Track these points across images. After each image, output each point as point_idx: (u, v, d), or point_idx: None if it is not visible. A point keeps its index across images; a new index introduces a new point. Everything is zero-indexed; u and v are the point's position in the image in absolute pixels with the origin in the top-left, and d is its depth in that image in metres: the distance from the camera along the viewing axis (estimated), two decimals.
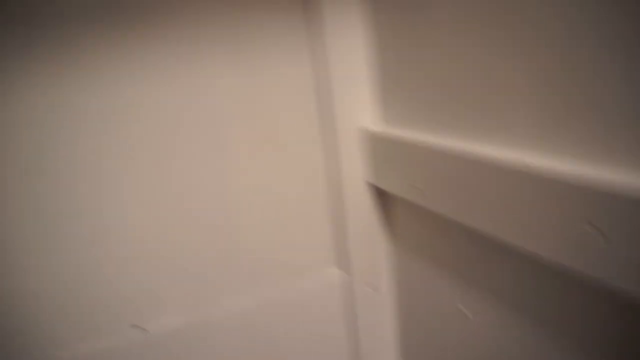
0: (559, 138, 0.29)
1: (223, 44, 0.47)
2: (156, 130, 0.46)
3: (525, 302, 0.36)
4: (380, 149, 0.48)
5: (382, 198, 0.54)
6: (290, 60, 0.50)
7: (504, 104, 0.33)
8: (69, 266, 0.46)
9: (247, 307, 0.53)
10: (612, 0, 0.24)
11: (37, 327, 0.46)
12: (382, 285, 0.57)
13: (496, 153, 0.33)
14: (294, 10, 0.49)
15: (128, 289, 0.48)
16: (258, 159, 0.51)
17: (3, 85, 0.41)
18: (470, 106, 0.36)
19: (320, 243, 0.56)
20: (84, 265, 0.46)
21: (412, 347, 0.57)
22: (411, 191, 0.43)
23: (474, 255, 0.41)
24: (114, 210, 0.46)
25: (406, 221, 0.52)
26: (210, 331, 0.52)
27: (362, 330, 0.57)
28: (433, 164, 0.39)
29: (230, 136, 0.49)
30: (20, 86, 0.41)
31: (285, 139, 0.52)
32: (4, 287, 0.44)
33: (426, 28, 0.39)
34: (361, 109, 0.51)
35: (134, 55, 0.44)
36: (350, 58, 0.49)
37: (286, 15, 0.49)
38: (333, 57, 0.49)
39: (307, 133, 0.53)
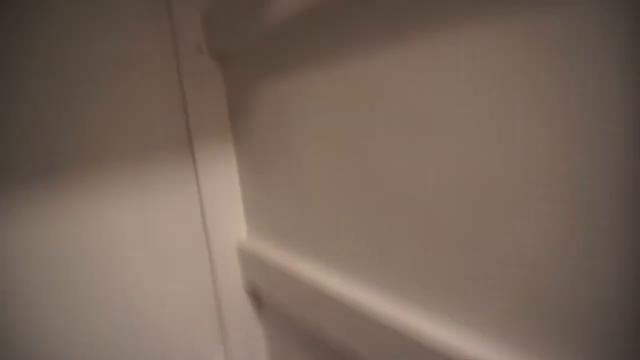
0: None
1: (127, 190, 0.58)
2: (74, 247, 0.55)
3: None
4: (248, 257, 0.61)
5: (257, 296, 0.67)
6: (180, 193, 0.62)
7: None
8: None
9: None
10: None
11: None
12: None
13: (310, 272, 0.44)
14: (183, 155, 0.62)
15: None
16: (159, 274, 0.62)
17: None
18: (294, 230, 0.47)
19: (208, 333, 0.66)
20: None
21: None
22: (267, 291, 0.57)
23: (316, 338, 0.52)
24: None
25: (274, 313, 0.64)
26: None
27: None
28: (274, 272, 0.52)
29: (135, 257, 0.60)
30: None
31: (179, 257, 0.63)
32: None
33: (268, 169, 0.52)
34: (235, 229, 0.64)
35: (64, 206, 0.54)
36: (222, 188, 0.63)
37: (176, 158, 0.62)
38: (208, 189, 0.62)
39: (196, 248, 0.64)
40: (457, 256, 0.29)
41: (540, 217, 0.23)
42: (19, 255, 0.53)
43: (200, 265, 0.65)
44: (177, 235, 0.63)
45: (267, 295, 0.64)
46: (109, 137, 0.57)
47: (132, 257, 0.60)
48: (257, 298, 0.67)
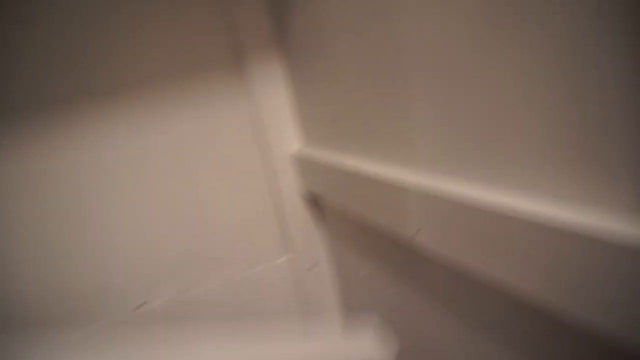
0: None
1: (182, 101, 0.62)
2: (143, 164, 0.62)
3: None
4: (305, 165, 0.65)
5: (315, 201, 0.71)
6: (233, 107, 0.65)
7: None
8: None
9: (218, 287, 0.69)
10: None
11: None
12: (321, 264, 0.74)
13: (377, 169, 0.45)
14: (230, 69, 0.64)
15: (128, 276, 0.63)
16: (220, 185, 0.67)
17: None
18: (360, 130, 0.49)
19: (270, 238, 0.72)
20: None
21: (350, 305, 0.74)
22: (329, 195, 0.59)
23: (373, 239, 0.55)
24: (118, 220, 0.61)
25: (333, 216, 0.68)
26: (193, 306, 0.67)
27: (307, 300, 0.74)
28: (334, 176, 0.55)
29: (198, 169, 0.65)
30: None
31: (236, 168, 0.68)
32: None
33: (326, 73, 0.53)
34: (289, 137, 0.67)
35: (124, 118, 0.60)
36: (274, 98, 0.65)
37: (225, 73, 0.64)
38: (260, 100, 0.65)
39: (251, 159, 0.68)
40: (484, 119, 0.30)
41: None
42: (103, 163, 0.60)
43: (257, 175, 0.69)
44: (233, 147, 0.66)
45: (325, 200, 0.67)
46: (164, 58, 0.60)
47: (195, 169, 0.65)
48: (315, 204, 0.71)
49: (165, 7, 0.60)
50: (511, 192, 0.30)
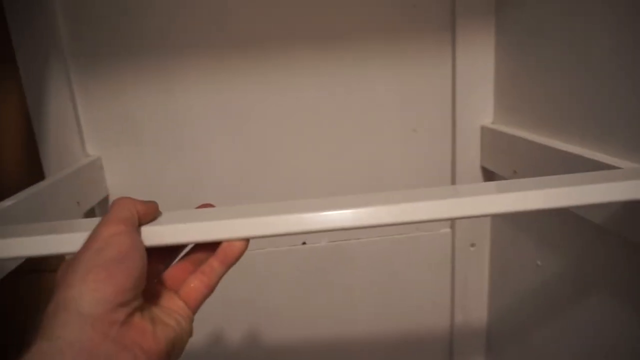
0: None
1: (385, 59, 0.64)
2: (332, 113, 0.66)
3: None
4: (494, 141, 0.62)
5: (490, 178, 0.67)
6: (435, 68, 0.64)
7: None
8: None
9: (378, 239, 0.71)
10: None
11: None
12: (483, 244, 0.72)
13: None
14: (442, 33, 0.63)
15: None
16: (402, 141, 0.68)
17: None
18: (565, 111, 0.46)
19: None
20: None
21: (499, 292, 0.71)
22: (512, 175, 0.57)
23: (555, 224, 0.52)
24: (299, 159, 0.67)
25: None
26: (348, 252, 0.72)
27: (459, 274, 0.73)
28: (529, 155, 0.52)
29: (388, 121, 0.67)
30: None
31: (423, 128, 0.67)
32: None
33: (544, 53, 0.50)
34: (483, 109, 0.65)
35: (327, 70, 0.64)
36: (477, 67, 0.63)
37: (435, 36, 0.63)
38: (463, 66, 0.63)
39: (440, 124, 0.67)
40: None
41: None
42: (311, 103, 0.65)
43: (443, 142, 0.68)
44: (426, 110, 0.66)
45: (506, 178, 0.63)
46: (374, 11, 0.62)
47: (385, 120, 0.66)
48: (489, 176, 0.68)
49: None
50: None
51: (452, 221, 0.71)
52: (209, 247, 0.32)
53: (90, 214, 0.61)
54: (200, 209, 0.35)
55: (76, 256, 0.27)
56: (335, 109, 0.65)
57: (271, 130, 0.65)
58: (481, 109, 0.64)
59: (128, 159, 0.64)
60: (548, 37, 0.50)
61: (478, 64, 0.63)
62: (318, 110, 0.65)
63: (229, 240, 0.31)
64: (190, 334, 0.30)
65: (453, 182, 0.69)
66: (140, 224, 0.30)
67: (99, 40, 0.59)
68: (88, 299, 0.24)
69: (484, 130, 0.65)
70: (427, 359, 0.80)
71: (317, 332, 0.76)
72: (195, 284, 0.31)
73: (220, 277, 0.32)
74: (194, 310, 0.31)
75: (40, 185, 0.49)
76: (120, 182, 0.65)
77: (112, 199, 0.65)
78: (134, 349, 0.25)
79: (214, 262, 0.32)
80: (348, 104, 0.65)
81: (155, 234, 0.30)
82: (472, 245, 0.71)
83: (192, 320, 0.31)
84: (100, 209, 0.64)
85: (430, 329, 0.77)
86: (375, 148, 0.67)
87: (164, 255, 0.33)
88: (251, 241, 0.32)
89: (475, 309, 0.75)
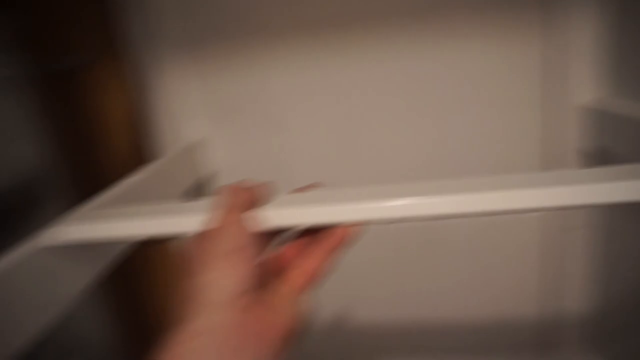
0: None
1: (469, 30, 0.61)
2: (417, 89, 0.66)
3: None
4: (601, 118, 0.57)
5: (599, 158, 0.62)
6: (523, 44, 0.61)
7: None
8: None
9: (474, 223, 0.70)
10: None
11: None
12: (584, 229, 0.67)
13: None
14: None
15: None
16: (486, 119, 0.65)
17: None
18: None
19: None
20: None
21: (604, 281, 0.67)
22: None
23: None
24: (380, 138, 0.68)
25: None
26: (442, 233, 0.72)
27: (552, 267, 0.70)
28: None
29: (469, 101, 0.65)
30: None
31: (507, 107, 0.64)
32: None
33: None
34: (584, 86, 0.60)
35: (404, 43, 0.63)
36: (579, 42, 0.58)
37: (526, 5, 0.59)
38: (557, 39, 0.59)
39: (528, 104, 0.64)
40: None
41: None
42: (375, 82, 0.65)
43: (533, 121, 0.64)
44: (514, 87, 0.63)
45: (618, 157, 0.58)
46: None
47: (466, 103, 0.64)
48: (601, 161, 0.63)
49: None
50: None
51: None
52: (319, 230, 0.32)
53: (199, 190, 0.67)
54: (311, 191, 0.34)
55: (198, 243, 0.29)
56: (425, 87, 0.65)
57: (360, 111, 0.67)
58: (581, 85, 0.60)
59: (231, 139, 0.69)
60: None
61: (577, 33, 0.58)
62: (408, 89, 0.65)
63: (345, 225, 0.31)
64: (304, 317, 0.30)
65: (545, 167, 0.66)
66: (253, 208, 0.31)
67: (201, 25, 0.64)
68: (215, 288, 0.26)
69: (584, 109, 0.60)
70: (517, 347, 0.78)
71: (406, 314, 0.77)
72: (306, 266, 0.31)
73: (332, 261, 0.32)
74: (306, 293, 0.31)
75: (158, 163, 0.55)
76: (224, 161, 0.70)
77: (217, 177, 0.71)
78: (256, 335, 0.26)
79: (325, 245, 0.31)
80: (437, 82, 0.64)
81: (269, 219, 0.31)
82: (571, 228, 0.67)
83: (306, 303, 0.30)
84: (208, 185, 0.70)
85: (520, 316, 0.75)
86: (453, 124, 0.66)
87: (271, 238, 0.33)
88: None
89: (573, 297, 0.71)
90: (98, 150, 0.72)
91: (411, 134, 0.67)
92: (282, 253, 0.33)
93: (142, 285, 0.78)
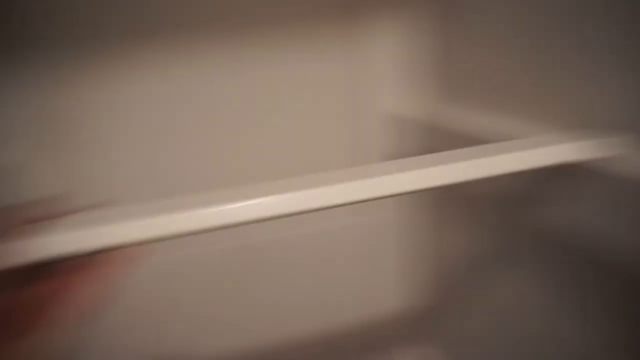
0: None
1: (286, 46, 0.61)
2: (228, 105, 0.62)
3: None
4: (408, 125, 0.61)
5: None
6: (330, 58, 0.62)
7: None
8: None
9: (312, 235, 0.69)
10: None
11: None
12: (413, 226, 0.71)
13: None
14: (338, 15, 0.60)
15: None
16: (304, 131, 0.65)
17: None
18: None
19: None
20: None
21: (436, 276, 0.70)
22: None
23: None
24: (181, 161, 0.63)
25: None
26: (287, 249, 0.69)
27: (403, 257, 0.73)
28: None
29: (290, 111, 0.64)
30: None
31: (320, 118, 0.65)
32: None
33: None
34: (391, 95, 0.63)
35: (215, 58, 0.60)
36: (384, 53, 0.61)
37: (330, 20, 0.60)
38: (366, 54, 0.61)
39: (339, 115, 0.65)
40: None
41: None
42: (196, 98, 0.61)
43: (345, 131, 0.66)
44: (325, 99, 0.64)
45: None
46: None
47: (280, 117, 0.63)
48: None
49: None
50: None
51: (385, 205, 0.70)
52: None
53: None
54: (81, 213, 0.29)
55: None
56: (249, 98, 0.62)
57: (185, 124, 0.62)
58: (388, 94, 0.63)
59: (50, 160, 0.59)
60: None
61: (383, 45, 0.60)
62: (227, 101, 0.62)
63: (113, 248, 0.26)
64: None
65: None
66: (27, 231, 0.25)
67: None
68: None
69: (390, 116, 0.64)
70: (370, 349, 0.80)
71: (259, 339, 0.74)
72: (82, 292, 0.27)
73: (112, 284, 0.28)
74: (83, 319, 0.27)
75: None
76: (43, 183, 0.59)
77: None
78: None
79: (103, 269, 0.27)
80: (257, 92, 0.62)
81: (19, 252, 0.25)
82: (404, 229, 0.71)
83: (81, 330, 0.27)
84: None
85: (372, 317, 0.77)
86: (282, 134, 0.65)
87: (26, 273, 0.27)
88: (167, 243, 0.27)
89: (416, 293, 0.75)
90: None
91: (233, 143, 0.64)
92: (55, 278, 0.27)
93: None
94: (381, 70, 0.63)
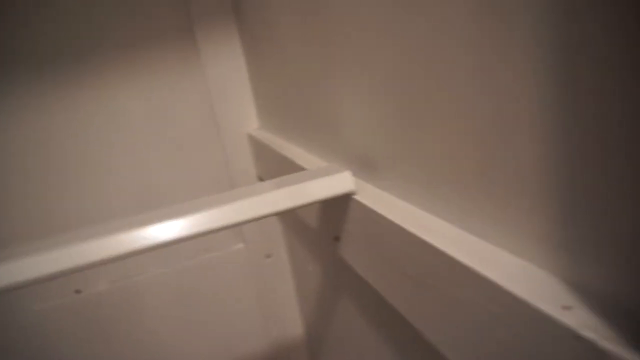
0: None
1: (134, 77, 0.59)
2: (91, 135, 0.59)
3: None
4: (257, 148, 0.61)
5: None
6: (186, 80, 0.61)
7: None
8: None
9: (174, 272, 0.66)
10: None
11: None
12: (278, 253, 0.71)
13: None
14: (185, 38, 0.60)
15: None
16: (172, 161, 0.63)
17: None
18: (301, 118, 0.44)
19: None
20: None
21: (307, 300, 0.70)
22: None
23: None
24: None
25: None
26: (139, 292, 0.65)
27: (264, 288, 0.72)
28: (276, 164, 0.51)
29: (148, 143, 0.62)
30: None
31: (189, 143, 0.63)
32: None
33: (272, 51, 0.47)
34: (247, 114, 0.63)
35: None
36: (229, 76, 0.61)
37: (179, 43, 0.60)
38: (215, 76, 0.61)
39: (207, 137, 0.64)
40: None
41: None
42: (38, 139, 0.57)
43: (213, 153, 0.65)
44: (188, 123, 0.63)
45: None
46: (112, 26, 0.56)
47: (144, 142, 0.61)
48: None
49: None
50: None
51: (244, 235, 0.69)
52: None
53: None
54: None
55: None
56: (123, 124, 0.60)
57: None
58: (245, 114, 0.63)
59: None
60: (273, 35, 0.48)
61: (229, 68, 0.61)
62: (107, 127, 0.59)
63: None
64: None
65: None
66: None
67: None
68: None
69: (249, 137, 0.63)
70: None
71: None
72: None
73: None
74: None
75: None
76: None
77: None
78: None
79: None
80: (131, 118, 0.60)
81: None
82: (268, 256, 0.70)
83: None
84: None
85: (250, 349, 0.74)
86: (139, 167, 0.62)
87: None
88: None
89: (290, 320, 0.73)
90: None
91: (113, 173, 0.61)
92: None
93: None
94: (236, 94, 0.63)
